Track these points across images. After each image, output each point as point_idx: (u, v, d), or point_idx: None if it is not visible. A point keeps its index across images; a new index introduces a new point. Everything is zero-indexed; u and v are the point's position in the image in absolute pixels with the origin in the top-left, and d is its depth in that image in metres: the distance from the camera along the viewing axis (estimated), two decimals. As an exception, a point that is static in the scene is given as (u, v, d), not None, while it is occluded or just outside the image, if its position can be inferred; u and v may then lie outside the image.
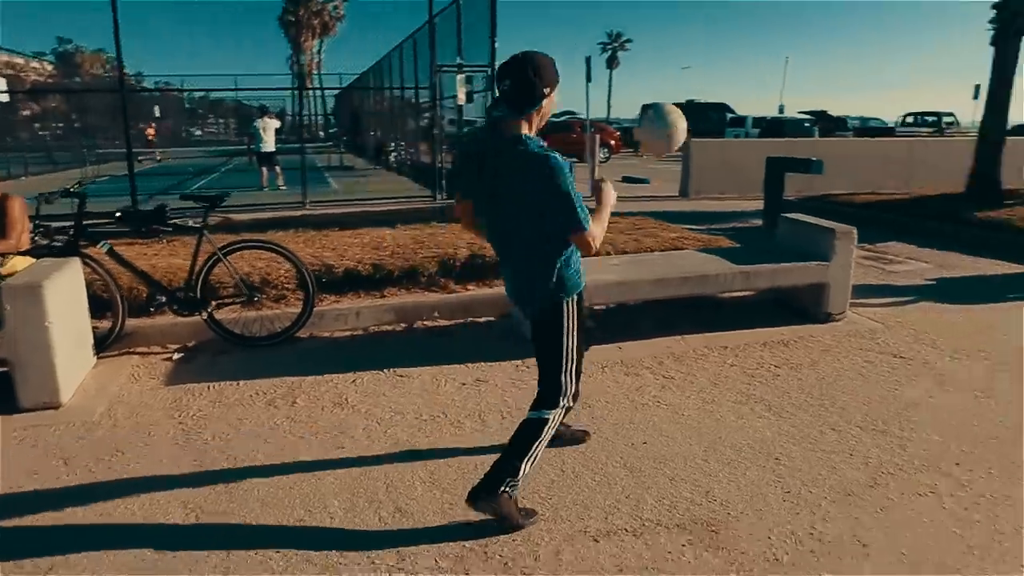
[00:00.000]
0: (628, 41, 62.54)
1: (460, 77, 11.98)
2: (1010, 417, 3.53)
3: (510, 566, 2.40)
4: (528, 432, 2.60)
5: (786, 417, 3.54)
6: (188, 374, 4.07)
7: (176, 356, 4.34)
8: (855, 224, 5.04)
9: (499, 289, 5.25)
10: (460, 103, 12.15)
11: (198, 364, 4.23)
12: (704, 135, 33.54)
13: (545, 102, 2.42)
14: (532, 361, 4.17)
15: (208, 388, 3.87)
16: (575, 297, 2.61)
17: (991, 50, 9.50)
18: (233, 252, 4.39)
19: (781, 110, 48.40)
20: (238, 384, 3.92)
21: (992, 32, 9.30)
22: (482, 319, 5.06)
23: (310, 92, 42.97)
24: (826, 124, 29.16)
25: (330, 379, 3.98)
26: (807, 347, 4.52)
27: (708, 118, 35.12)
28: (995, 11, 9.22)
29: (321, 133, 41.69)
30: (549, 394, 2.64)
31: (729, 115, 35.22)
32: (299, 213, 8.81)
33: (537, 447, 2.58)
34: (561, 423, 3.14)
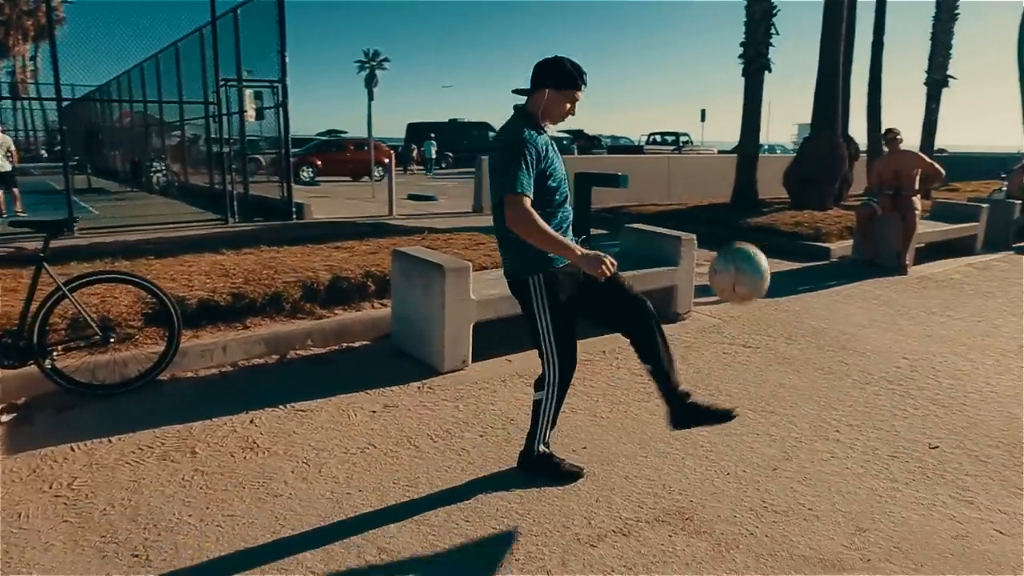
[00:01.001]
0: (386, 60, 62.52)
1: (248, 92, 11.24)
2: (854, 388, 4.20)
3: (526, 586, 2.36)
4: (533, 413, 3.00)
5: (689, 408, 3.85)
6: (34, 438, 3.37)
7: (6, 418, 3.57)
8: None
9: (369, 312, 5.07)
10: (249, 120, 11.39)
11: (42, 424, 3.52)
12: (469, 152, 34.82)
13: (549, 93, 2.72)
14: (434, 381, 4.16)
15: (72, 451, 3.24)
16: (542, 277, 2.77)
17: (740, 80, 11.18)
18: (81, 287, 3.73)
19: (534, 130, 51.90)
20: (110, 441, 3.33)
21: (742, 66, 10.93)
22: (357, 344, 4.83)
23: (24, 104, 37.19)
24: (584, 142, 31.87)
25: (222, 423, 3.55)
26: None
27: (472, 136, 36.65)
28: (743, 48, 10.86)
29: (44, 152, 36.17)
30: (542, 372, 2.92)
31: (491, 133, 37.00)
32: (86, 242, 7.61)
33: (542, 422, 2.97)
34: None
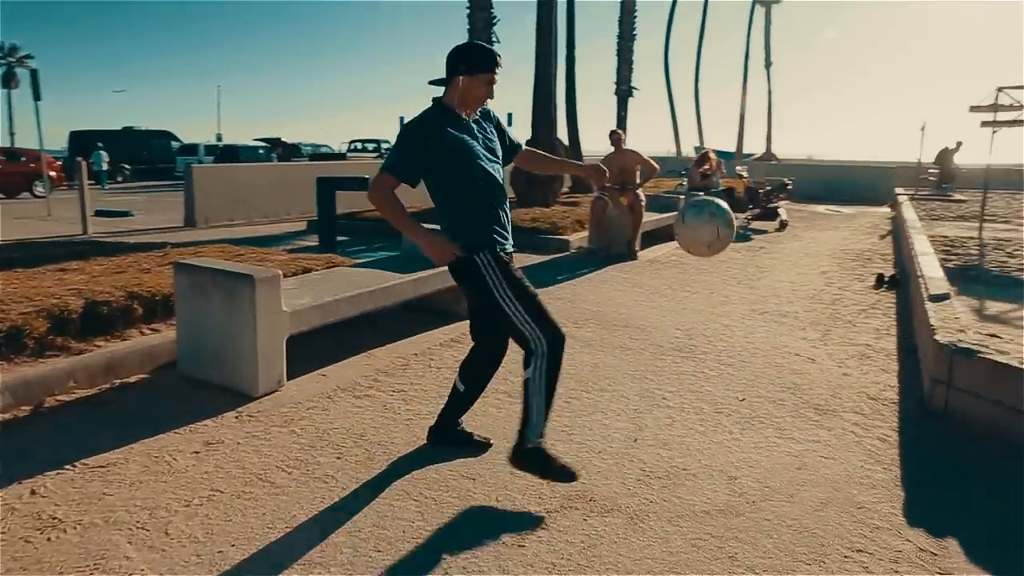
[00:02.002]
0: (28, 57, 52.81)
1: None
2: (655, 359, 4.64)
3: (479, 602, 2.19)
4: (526, 393, 2.72)
5: (530, 397, 3.91)
6: None
7: None
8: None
9: (141, 339, 4.28)
10: None
11: None
12: (149, 163, 31.11)
13: (463, 80, 2.69)
14: (251, 408, 3.66)
15: None
16: (489, 253, 2.72)
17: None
18: None
19: (219, 138, 48.15)
20: None
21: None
22: (134, 378, 4.02)
23: None
24: (283, 150, 30.41)
25: (-8, 501, 2.69)
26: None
27: (152, 147, 32.73)
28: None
29: None
30: (525, 349, 2.71)
31: (176, 143, 33.45)
32: None
33: (534, 404, 2.70)
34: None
